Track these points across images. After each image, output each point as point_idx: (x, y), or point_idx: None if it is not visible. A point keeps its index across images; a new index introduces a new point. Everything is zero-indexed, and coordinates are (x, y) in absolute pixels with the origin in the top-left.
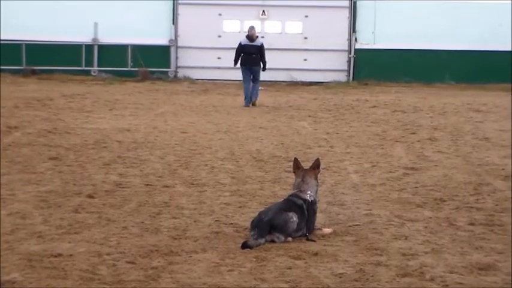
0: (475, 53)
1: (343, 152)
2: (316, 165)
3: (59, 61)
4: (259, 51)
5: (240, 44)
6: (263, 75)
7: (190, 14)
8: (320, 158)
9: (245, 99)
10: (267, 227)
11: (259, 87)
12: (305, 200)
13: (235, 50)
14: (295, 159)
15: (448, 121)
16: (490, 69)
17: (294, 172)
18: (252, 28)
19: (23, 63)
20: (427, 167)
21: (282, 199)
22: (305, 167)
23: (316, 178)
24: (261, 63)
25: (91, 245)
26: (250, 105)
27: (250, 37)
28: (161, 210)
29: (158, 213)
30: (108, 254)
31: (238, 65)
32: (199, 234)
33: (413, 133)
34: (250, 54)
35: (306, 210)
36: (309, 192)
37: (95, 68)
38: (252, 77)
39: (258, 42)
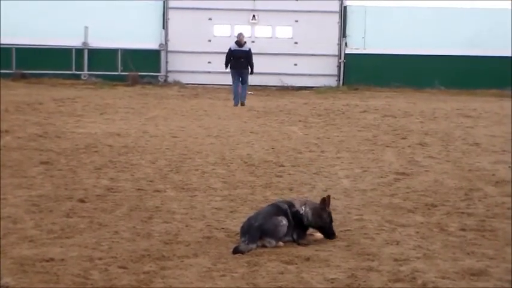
0: (465, 59)
1: (334, 157)
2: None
3: (49, 65)
4: (247, 55)
5: (229, 49)
6: (253, 80)
7: (180, 19)
8: (310, 163)
9: (234, 99)
10: (258, 232)
11: (249, 92)
12: (291, 206)
13: (225, 55)
14: (328, 196)
15: (439, 126)
16: (480, 74)
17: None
18: (240, 34)
19: (13, 67)
20: (418, 172)
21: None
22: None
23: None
24: (249, 67)
25: (83, 249)
26: (239, 104)
27: (239, 43)
28: (152, 214)
29: (150, 218)
30: (100, 259)
31: (229, 68)
32: (191, 239)
33: (404, 138)
34: (239, 59)
35: (292, 217)
36: (301, 207)
37: (85, 72)
38: (240, 79)
39: (246, 47)
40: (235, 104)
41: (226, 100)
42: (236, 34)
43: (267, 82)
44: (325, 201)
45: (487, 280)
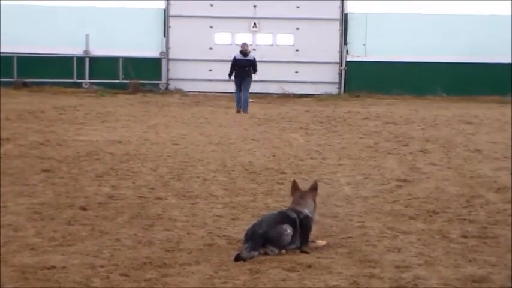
0: (466, 66)
1: (336, 164)
2: (313, 188)
3: (50, 73)
4: (252, 65)
5: (234, 58)
6: (255, 87)
7: (181, 27)
8: (311, 170)
9: (237, 104)
10: (261, 240)
11: (250, 99)
12: (300, 213)
13: (230, 63)
14: (294, 181)
15: (440, 133)
16: (481, 81)
17: (292, 194)
18: (245, 44)
19: (14, 75)
20: (419, 179)
21: (277, 211)
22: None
23: (313, 200)
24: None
25: (84, 257)
26: (241, 110)
27: (244, 52)
28: (154, 222)
29: (151, 226)
30: (101, 266)
31: (232, 77)
32: (193, 246)
33: (406, 145)
34: (244, 68)
35: (299, 225)
36: (306, 209)
37: (86, 80)
38: (242, 86)
39: (250, 56)
40: (237, 107)
41: (228, 108)
42: (238, 42)
43: (268, 89)
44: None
45: (488, 287)
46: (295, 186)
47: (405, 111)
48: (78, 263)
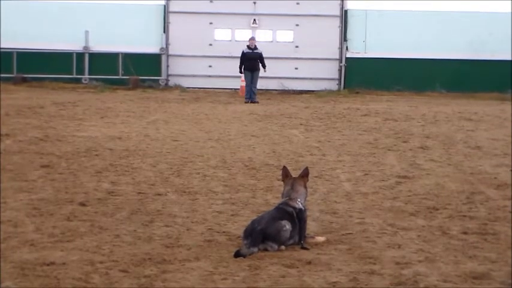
0: (466, 62)
1: (335, 160)
2: (305, 174)
3: (49, 69)
4: (260, 57)
5: (242, 53)
6: None
7: (181, 23)
8: (311, 166)
9: (245, 96)
10: (260, 236)
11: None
12: (295, 208)
13: (239, 59)
14: (284, 167)
15: (440, 130)
16: (481, 78)
17: (283, 180)
18: (252, 38)
19: (14, 71)
20: (419, 176)
21: (273, 207)
22: (294, 176)
23: (305, 186)
24: (262, 67)
25: (84, 253)
26: (250, 102)
27: (250, 47)
28: (154, 218)
29: (151, 222)
30: (100, 263)
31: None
32: (192, 242)
33: (405, 141)
34: (252, 60)
35: (297, 218)
36: (298, 200)
37: (86, 76)
38: (252, 79)
39: (258, 50)
40: (246, 101)
41: (227, 104)
42: (238, 39)
43: (268, 86)
44: (307, 172)
45: (489, 284)
46: (286, 173)
47: (405, 108)
48: (77, 259)
